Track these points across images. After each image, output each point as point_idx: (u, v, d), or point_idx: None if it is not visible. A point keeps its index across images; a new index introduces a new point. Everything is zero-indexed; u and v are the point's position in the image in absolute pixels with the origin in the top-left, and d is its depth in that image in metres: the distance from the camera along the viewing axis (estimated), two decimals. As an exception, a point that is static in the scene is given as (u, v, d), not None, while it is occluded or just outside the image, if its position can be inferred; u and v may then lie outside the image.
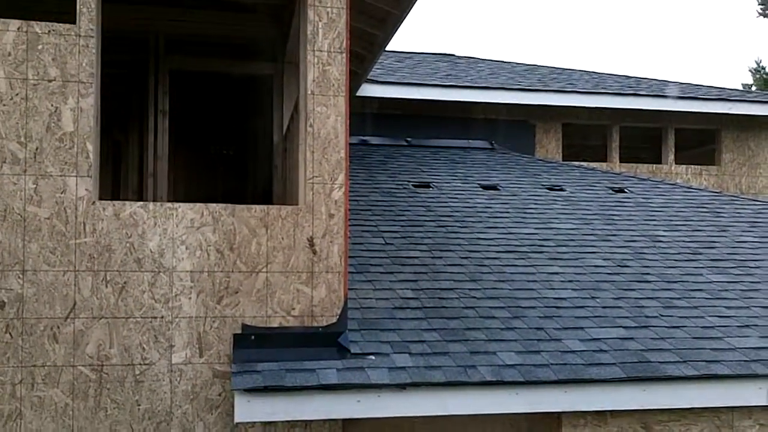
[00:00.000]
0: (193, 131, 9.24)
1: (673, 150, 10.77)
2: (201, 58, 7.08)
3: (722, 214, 8.12)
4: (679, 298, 5.86)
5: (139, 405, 4.53)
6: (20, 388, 4.38)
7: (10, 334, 4.38)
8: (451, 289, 5.72)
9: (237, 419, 4.39)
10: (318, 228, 4.75)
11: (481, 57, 12.23)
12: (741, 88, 20.21)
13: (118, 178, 8.03)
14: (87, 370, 4.47)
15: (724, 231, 7.58)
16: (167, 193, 6.76)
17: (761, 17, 21.21)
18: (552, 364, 4.75)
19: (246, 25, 6.63)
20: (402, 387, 4.48)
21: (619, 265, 6.44)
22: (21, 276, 4.40)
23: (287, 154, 6.41)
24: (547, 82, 10.60)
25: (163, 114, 6.61)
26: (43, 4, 5.91)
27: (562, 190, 8.51)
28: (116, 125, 7.71)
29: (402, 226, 6.95)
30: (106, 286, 4.50)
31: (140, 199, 6.78)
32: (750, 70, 21.84)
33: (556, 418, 4.82)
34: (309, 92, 4.76)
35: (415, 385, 4.49)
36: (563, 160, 10.22)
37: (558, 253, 6.61)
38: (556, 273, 6.18)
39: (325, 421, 4.67)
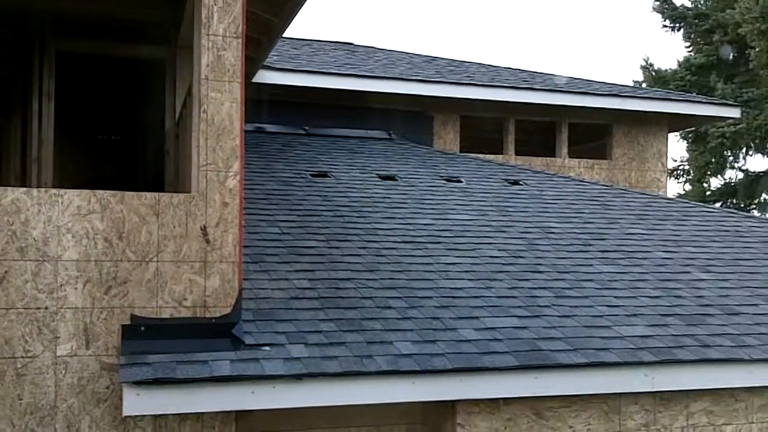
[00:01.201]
0: (80, 116, 8.87)
1: (567, 144, 11.07)
2: (89, 40, 6.79)
3: (612, 207, 8.43)
4: (570, 288, 6.04)
5: (21, 399, 4.32)
6: None
7: None
8: (349, 279, 5.72)
9: (125, 412, 4.25)
10: (211, 216, 4.64)
11: (379, 47, 12.25)
12: (632, 84, 21.00)
13: (0, 164, 7.63)
14: (-38, 365, 4.23)
15: (613, 223, 7.87)
16: (52, 179, 6.47)
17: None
18: (448, 353, 4.81)
19: (138, 7, 6.40)
20: (298, 378, 4.45)
21: (513, 256, 6.59)
22: None
23: (180, 140, 6.25)
24: (445, 74, 10.72)
25: (48, 97, 6.30)
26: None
27: (459, 181, 8.64)
28: (-5, 109, 7.32)
29: (299, 215, 6.89)
30: (-15, 276, 4.27)
31: (24, 185, 6.46)
32: (640, 67, 22.71)
33: (451, 406, 4.88)
34: (203, 77, 4.64)
35: (311, 376, 4.46)
36: (460, 152, 10.36)
37: (455, 243, 6.71)
38: (453, 263, 6.27)
39: (217, 413, 4.58)
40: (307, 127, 9.85)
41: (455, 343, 4.95)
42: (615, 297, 5.98)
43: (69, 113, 7.91)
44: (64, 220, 4.41)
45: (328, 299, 5.35)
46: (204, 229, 4.62)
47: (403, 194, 7.91)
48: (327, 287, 5.54)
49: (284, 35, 7.54)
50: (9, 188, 4.38)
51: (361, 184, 8.06)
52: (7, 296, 4.31)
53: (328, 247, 6.26)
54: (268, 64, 9.06)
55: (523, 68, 12.07)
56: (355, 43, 12.31)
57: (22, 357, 4.33)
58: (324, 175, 8.21)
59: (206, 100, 4.64)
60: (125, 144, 9.46)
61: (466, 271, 6.13)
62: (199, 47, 4.72)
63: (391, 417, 5.22)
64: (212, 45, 4.66)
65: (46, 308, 4.37)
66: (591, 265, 6.59)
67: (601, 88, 11.27)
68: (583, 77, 11.99)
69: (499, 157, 10.63)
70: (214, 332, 4.63)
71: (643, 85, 22.29)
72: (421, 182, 8.40)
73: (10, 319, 4.31)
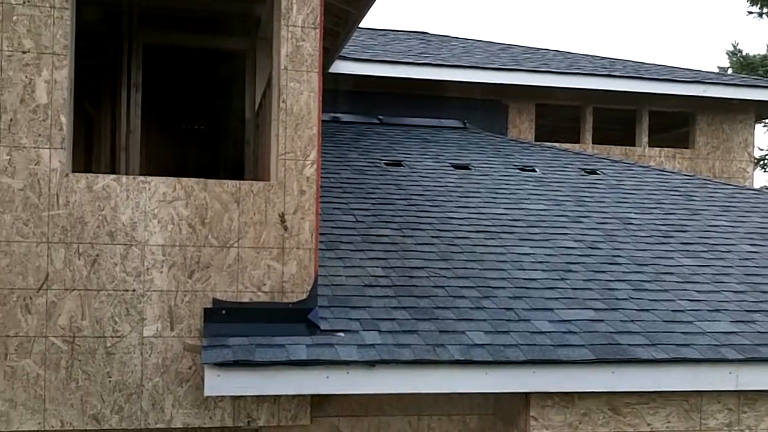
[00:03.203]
0: (165, 106, 9.17)
1: (647, 132, 10.84)
2: (175, 33, 7.01)
3: (695, 198, 8.24)
4: (649, 281, 5.93)
5: (110, 377, 4.55)
6: (-8, 359, 4.39)
7: (-19, 304, 4.38)
8: (422, 267, 5.78)
9: (207, 393, 4.42)
10: (289, 204, 4.77)
11: (455, 35, 12.22)
12: (717, 70, 20.33)
13: (90, 152, 7.97)
14: (59, 342, 4.48)
15: (696, 214, 7.69)
16: (139, 167, 6.73)
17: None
18: (521, 344, 4.80)
19: (221, 0, 6.58)
20: (371, 364, 4.53)
21: (589, 247, 6.52)
22: (-7, 247, 4.39)
23: (259, 130, 6.41)
24: (521, 62, 10.63)
25: (136, 88, 6.56)
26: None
27: (533, 170, 8.59)
28: (88, 99, 7.64)
29: (373, 204, 6.98)
30: (79, 259, 4.50)
31: (112, 173, 6.74)
32: (727, 53, 21.91)
33: (524, 398, 4.87)
34: (282, 67, 4.76)
35: (384, 363, 4.53)
36: (536, 141, 10.27)
37: (529, 233, 6.69)
38: (527, 254, 6.25)
39: (293, 396, 4.72)
40: (381, 117, 9.93)
41: (529, 334, 4.94)
42: (697, 291, 5.84)
43: (155, 103, 8.20)
44: (151, 206, 4.60)
45: (401, 287, 5.42)
46: (282, 216, 4.76)
47: (477, 183, 7.91)
48: (400, 275, 5.61)
49: (359, 25, 7.62)
50: (100, 175, 4.60)
51: (434, 173, 8.10)
52: (98, 278, 4.54)
53: (402, 236, 6.33)
54: (344, 55, 9.18)
55: (602, 55, 11.86)
56: (430, 32, 12.32)
57: (111, 336, 4.56)
58: (398, 164, 8.29)
59: (285, 90, 4.77)
60: (207, 133, 9.73)
61: (540, 262, 6.11)
62: (278, 38, 4.84)
63: (463, 407, 5.27)
64: (291, 36, 4.78)
65: (134, 290, 4.59)
66: (671, 258, 6.46)
67: (684, 74, 10.98)
68: (665, 64, 11.70)
69: (576, 146, 10.50)
70: (291, 317, 4.77)
71: (729, 71, 21.55)
72: (495, 171, 8.38)
73: (101, 300, 4.54)
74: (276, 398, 4.73)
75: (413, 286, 5.47)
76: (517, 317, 5.15)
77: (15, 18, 4.40)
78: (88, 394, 4.52)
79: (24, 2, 4.41)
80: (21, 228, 4.42)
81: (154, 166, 8.74)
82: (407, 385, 4.62)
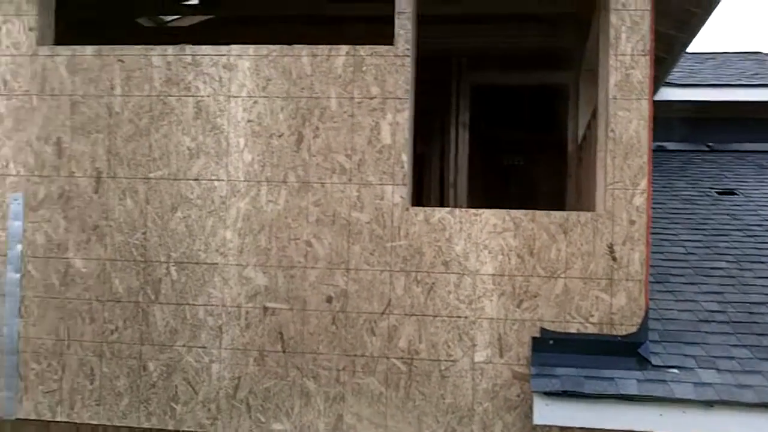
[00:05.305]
0: (486, 142, 9.52)
1: None
2: (500, 72, 7.31)
3: None
4: None
5: (444, 399, 4.81)
6: (343, 375, 4.88)
7: (335, 325, 4.89)
8: (763, 303, 5.35)
9: (536, 421, 4.48)
10: (618, 234, 4.71)
11: (793, 53, 11.19)
12: None
13: (421, 187, 8.54)
14: (399, 363, 4.85)
15: None
16: (465, 201, 7.06)
17: None
18: None
19: (544, 37, 6.74)
20: (709, 404, 4.28)
21: None
22: (345, 274, 4.89)
23: (582, 162, 6.41)
24: None
25: (464, 126, 6.93)
26: (354, 29, 6.49)
27: None
28: (419, 139, 8.22)
29: (704, 234, 6.62)
30: (417, 286, 4.85)
31: (440, 206, 7.16)
32: None
33: None
34: (611, 97, 4.75)
35: (724, 404, 4.26)
36: None
37: None
38: None
39: None
40: (710, 144, 9.40)
41: None
42: None
43: (477, 140, 8.57)
44: (482, 237, 4.83)
45: (740, 324, 5.07)
46: (611, 246, 4.71)
47: (825, 213, 7.14)
48: (738, 311, 5.25)
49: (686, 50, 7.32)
50: (436, 208, 4.93)
51: (774, 202, 7.47)
52: (434, 305, 4.85)
53: (739, 269, 5.92)
54: (670, 81, 8.86)
55: None
56: (764, 52, 11.39)
57: (445, 360, 4.82)
58: (731, 192, 7.76)
59: (614, 119, 4.75)
60: (525, 167, 9.92)
61: None
62: (605, 68, 4.85)
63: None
64: (620, 65, 4.76)
65: (466, 317, 4.82)
66: None
67: None
68: None
69: None
70: (620, 350, 4.67)
71: None
72: None
73: (436, 326, 4.84)
74: (604, 432, 4.65)
75: (754, 322, 5.08)
76: None
77: (364, 68, 4.92)
78: (423, 414, 4.82)
79: (372, 53, 4.92)
80: (368, 257, 4.88)
81: (476, 201, 9.10)
82: (750, 428, 4.28)
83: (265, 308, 4.95)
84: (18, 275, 5.15)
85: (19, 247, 5.16)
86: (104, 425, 5.12)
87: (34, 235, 5.17)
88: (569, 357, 4.68)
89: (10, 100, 5.23)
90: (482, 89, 7.46)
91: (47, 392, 5.14)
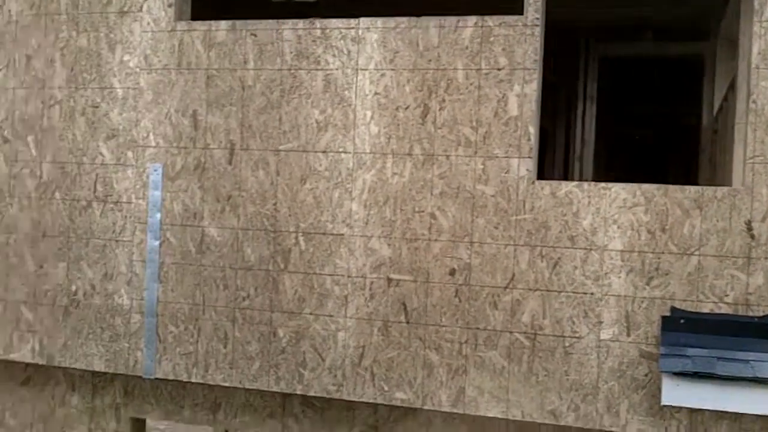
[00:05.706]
0: (613, 116, 9.26)
1: None
2: (629, 43, 7.08)
3: None
4: None
5: (567, 375, 4.76)
6: (465, 348, 4.90)
7: (459, 298, 4.92)
8: None
9: (664, 402, 4.38)
10: (757, 211, 4.50)
11: None
12: None
13: (543, 161, 8.41)
14: (522, 337, 4.83)
15: None
16: (591, 176, 6.91)
17: None
18: None
19: (677, 6, 6.46)
20: None
21: None
22: (469, 247, 4.90)
23: (718, 135, 6.14)
24: None
25: (591, 100, 6.76)
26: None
27: None
28: (544, 112, 8.09)
29: None
30: (541, 261, 4.80)
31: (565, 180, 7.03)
32: None
33: None
34: (753, 66, 4.52)
35: None
36: None
37: None
38: None
39: (757, 417, 4.43)
40: None
41: None
42: None
43: (604, 113, 8.35)
44: (611, 211, 4.71)
45: None
46: (749, 223, 4.51)
47: None
48: None
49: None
50: (563, 182, 4.84)
51: None
52: (559, 280, 4.78)
53: None
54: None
55: None
56: None
57: (570, 336, 4.76)
58: None
59: (756, 90, 4.51)
60: (654, 141, 9.60)
61: None
62: (747, 36, 4.61)
63: None
64: (765, 32, 4.51)
65: (592, 294, 4.73)
66: None
67: None
68: None
69: None
70: (756, 332, 4.48)
71: None
72: None
73: (561, 301, 4.78)
74: (737, 416, 4.49)
75: None
76: None
77: (492, 39, 4.87)
78: (546, 390, 4.79)
79: (500, 24, 4.86)
80: (492, 231, 4.87)
81: (603, 176, 8.89)
82: None
83: (389, 279, 5.03)
84: (157, 242, 5.44)
85: (159, 215, 5.44)
86: (235, 387, 5.36)
87: (172, 204, 5.44)
88: (701, 337, 4.53)
89: (150, 75, 5.49)
90: (611, 61, 7.25)
91: (184, 354, 5.42)
